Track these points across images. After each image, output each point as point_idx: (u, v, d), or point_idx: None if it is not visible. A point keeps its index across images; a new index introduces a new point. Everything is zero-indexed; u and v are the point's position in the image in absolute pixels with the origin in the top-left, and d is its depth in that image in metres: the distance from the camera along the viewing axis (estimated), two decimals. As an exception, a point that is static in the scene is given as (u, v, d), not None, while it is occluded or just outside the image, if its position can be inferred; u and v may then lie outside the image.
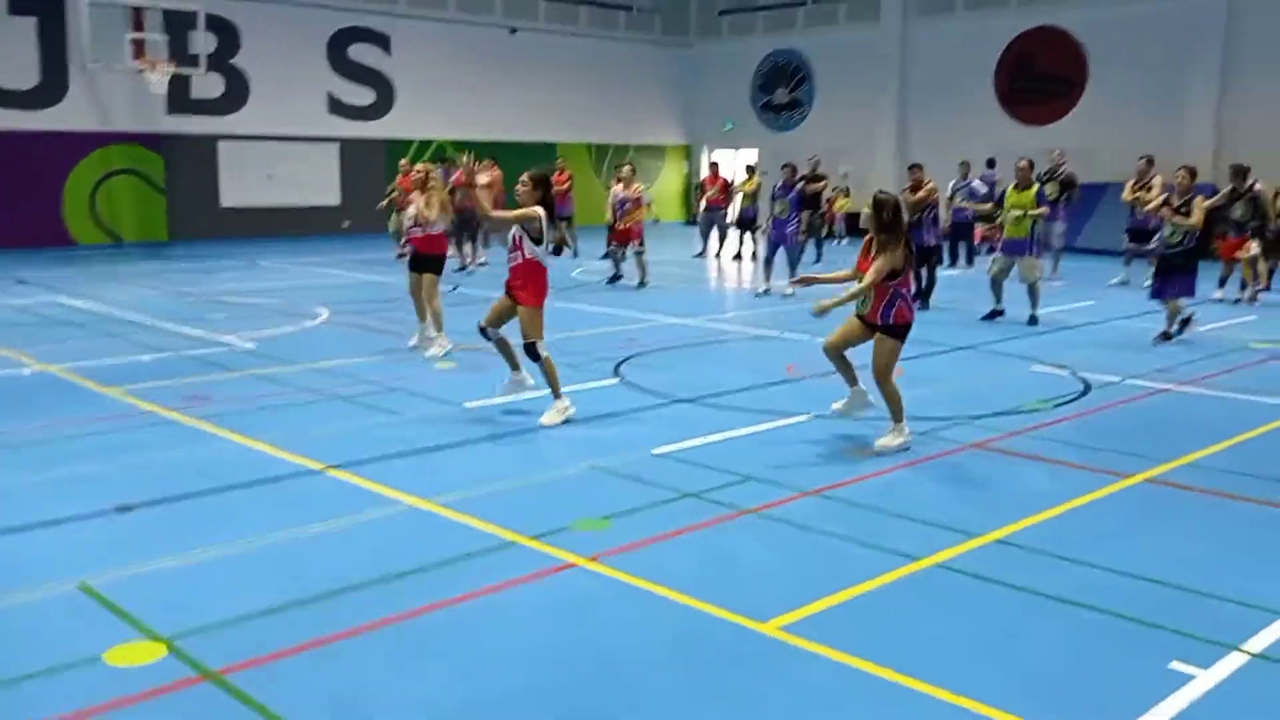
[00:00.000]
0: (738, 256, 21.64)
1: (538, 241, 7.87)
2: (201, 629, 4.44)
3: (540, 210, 7.83)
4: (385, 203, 20.51)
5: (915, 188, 14.47)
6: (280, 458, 6.97)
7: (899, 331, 7.29)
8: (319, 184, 25.61)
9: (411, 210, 10.97)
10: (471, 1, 27.69)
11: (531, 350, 7.95)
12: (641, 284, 16.59)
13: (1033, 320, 13.00)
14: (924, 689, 4.01)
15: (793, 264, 15.85)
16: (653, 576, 4.98)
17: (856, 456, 7.11)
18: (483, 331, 8.20)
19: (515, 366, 8.37)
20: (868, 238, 7.48)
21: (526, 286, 7.99)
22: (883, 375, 7.27)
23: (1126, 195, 17.04)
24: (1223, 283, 15.25)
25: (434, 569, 5.10)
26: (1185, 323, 11.73)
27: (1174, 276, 11.66)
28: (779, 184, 16.20)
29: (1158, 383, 9.45)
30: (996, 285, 13.38)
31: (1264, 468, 6.83)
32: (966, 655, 4.30)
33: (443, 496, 6.14)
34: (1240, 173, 15.42)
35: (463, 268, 18.51)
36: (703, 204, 22.69)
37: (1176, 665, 4.14)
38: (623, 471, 6.70)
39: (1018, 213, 13.29)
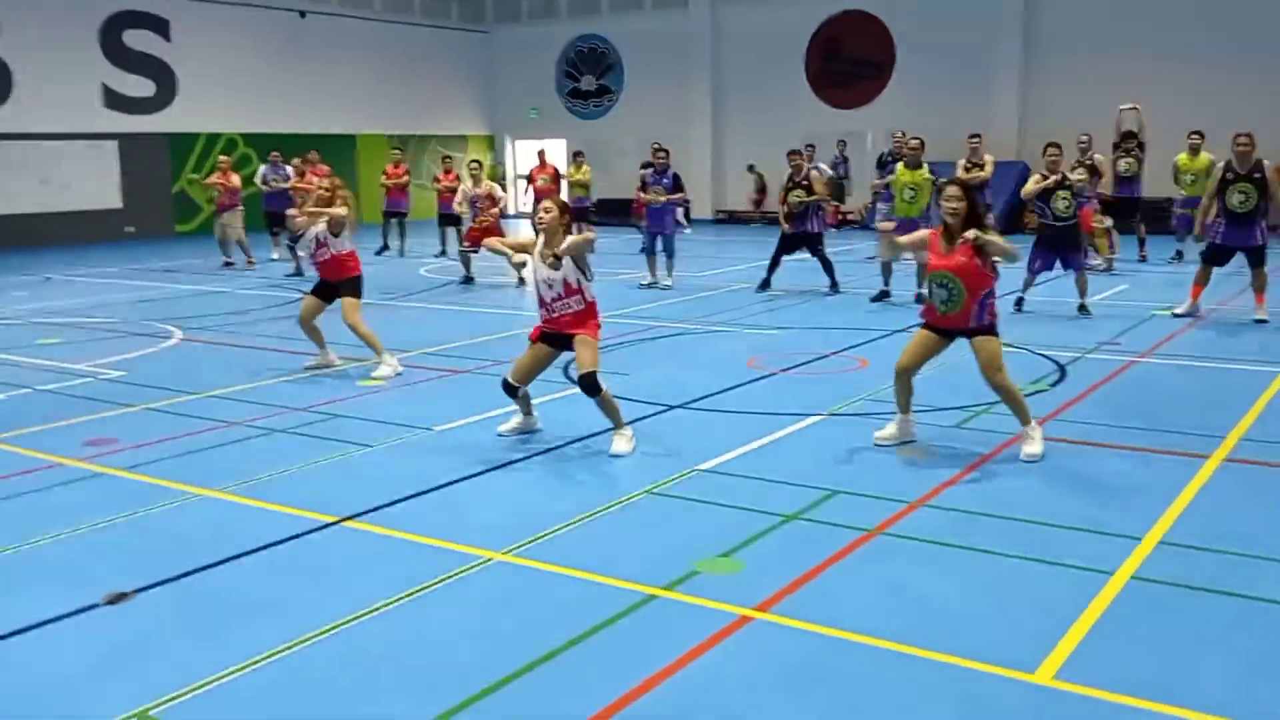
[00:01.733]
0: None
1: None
2: (361, 764, 3.36)
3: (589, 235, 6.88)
4: (198, 184, 19.02)
5: (796, 172, 14.10)
6: (269, 510, 5.74)
7: (995, 328, 6.56)
8: (98, 186, 23.05)
9: (314, 231, 9.43)
10: (257, -17, 25.62)
11: (593, 382, 6.67)
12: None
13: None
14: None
15: (670, 253, 15.16)
16: (850, 625, 4.22)
17: (915, 456, 6.55)
18: (511, 389, 6.97)
19: (529, 412, 7.21)
20: (938, 229, 6.62)
21: (587, 322, 6.84)
22: (1001, 377, 6.42)
23: (959, 174, 17.37)
24: (1086, 253, 15.65)
25: (588, 641, 4.15)
26: (1019, 303, 11.93)
27: (1065, 250, 11.83)
28: (652, 170, 15.52)
29: (1117, 355, 9.40)
30: (887, 268, 13.24)
31: (1311, 437, 6.74)
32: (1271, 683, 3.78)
33: (515, 546, 5.14)
34: (1087, 143, 15.83)
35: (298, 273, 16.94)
36: (531, 195, 21.70)
37: None
38: (689, 495, 5.88)
39: (910, 194, 13.14)
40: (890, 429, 6.80)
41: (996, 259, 6.38)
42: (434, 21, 29.72)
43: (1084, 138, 15.93)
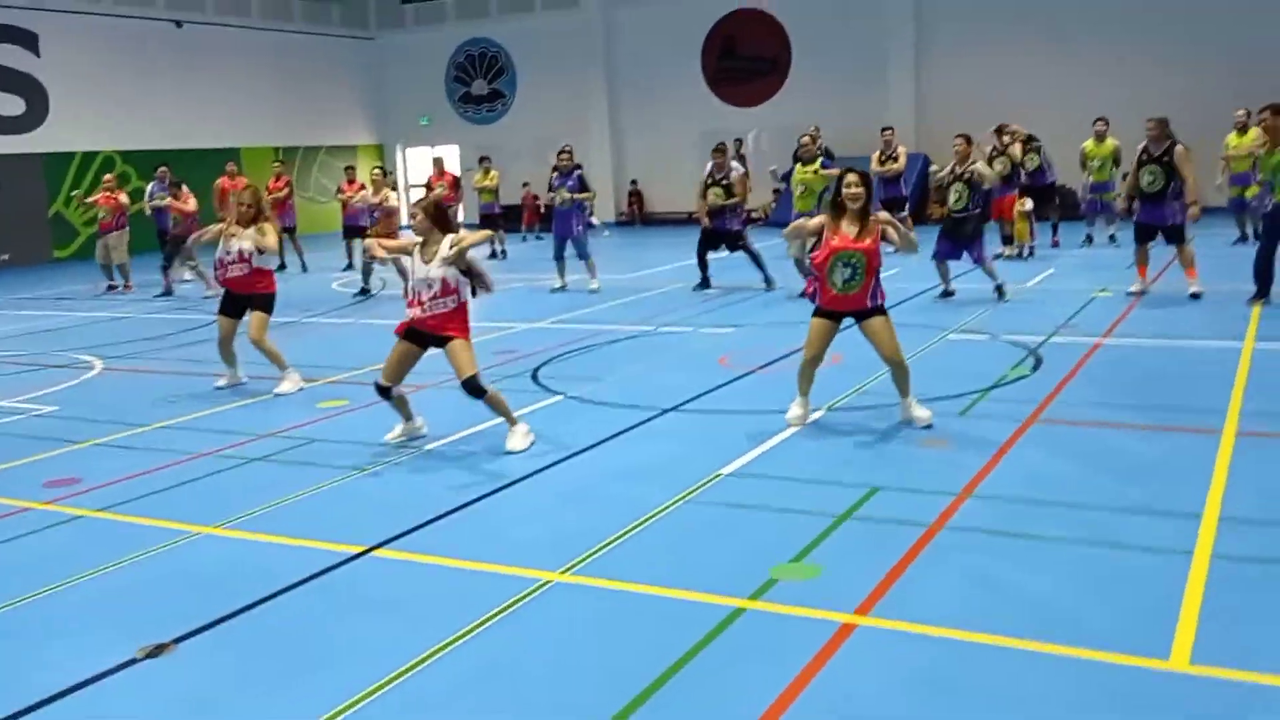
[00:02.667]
0: (492, 255, 20.40)
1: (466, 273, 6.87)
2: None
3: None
4: (78, 202, 18.00)
5: (717, 170, 13.96)
6: (285, 545, 5.33)
7: (884, 307, 6.96)
8: (-33, 210, 21.59)
9: (241, 244, 8.94)
10: (129, -8, 24.44)
11: (476, 385, 6.75)
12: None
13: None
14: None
15: (583, 255, 14.89)
16: (961, 624, 4.07)
17: (934, 445, 6.48)
18: (384, 391, 6.95)
19: (410, 416, 7.17)
20: (822, 218, 7.02)
21: (457, 321, 6.87)
22: (901, 353, 6.87)
23: (874, 167, 17.58)
24: (1008, 240, 15.95)
25: (697, 661, 3.90)
26: (947, 294, 12.10)
27: (963, 241, 11.94)
28: (556, 173, 15.19)
29: (1080, 338, 9.53)
30: (800, 264, 13.18)
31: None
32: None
33: (569, 565, 4.85)
34: (999, 131, 16.06)
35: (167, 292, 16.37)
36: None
37: None
38: (725, 500, 5.67)
39: (802, 189, 13.18)
40: (797, 410, 7.05)
41: (897, 248, 6.89)
42: (315, 28, 28.83)
43: (999, 125, 16.17)
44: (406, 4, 29.52)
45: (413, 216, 6.94)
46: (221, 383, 9.24)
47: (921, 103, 23.83)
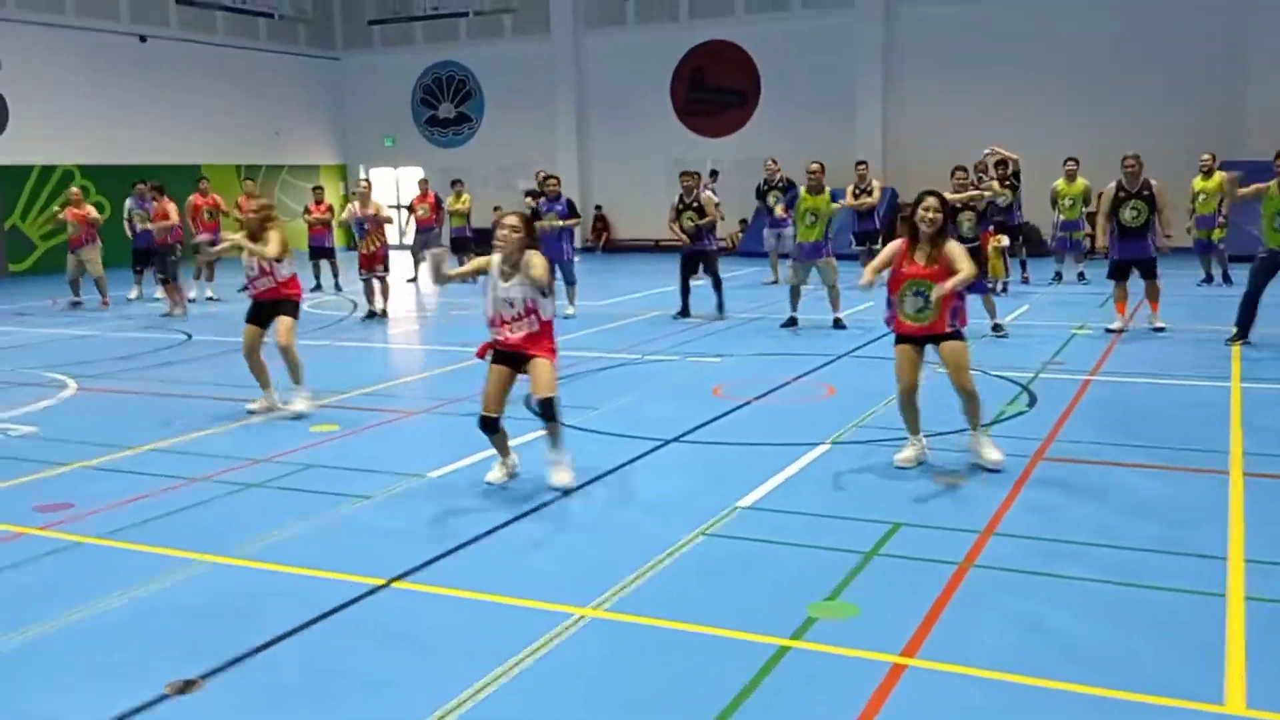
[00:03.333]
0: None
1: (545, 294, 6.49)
2: None
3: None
4: (47, 221, 17.51)
5: (687, 194, 14.07)
6: (302, 575, 5.20)
7: (963, 333, 6.80)
8: (-78, 222, 21.07)
9: (255, 260, 8.76)
10: (93, 5, 24.05)
11: (552, 407, 6.48)
12: (383, 313, 14.98)
13: (838, 324, 12.94)
14: None
15: (569, 280, 14.87)
16: (1010, 667, 4.04)
17: (947, 481, 6.48)
18: (490, 424, 6.52)
19: (508, 452, 6.74)
20: (903, 241, 6.74)
21: (543, 340, 6.57)
22: (970, 380, 6.71)
23: (849, 201, 17.71)
24: (986, 275, 16.08)
25: (749, 704, 3.83)
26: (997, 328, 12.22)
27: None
28: (544, 199, 15.21)
29: (1068, 374, 9.62)
30: (795, 293, 13.24)
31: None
32: None
33: (600, 600, 4.77)
34: (980, 168, 16.21)
35: (170, 313, 15.94)
36: (411, 225, 21.00)
37: None
38: (748, 535, 5.62)
39: (811, 219, 13.22)
40: (909, 452, 6.83)
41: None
42: (282, 47, 28.59)
43: (977, 163, 16.33)
44: (374, 25, 29.35)
45: (514, 230, 6.35)
46: (254, 406, 8.86)
47: (889, 137, 24.11)
